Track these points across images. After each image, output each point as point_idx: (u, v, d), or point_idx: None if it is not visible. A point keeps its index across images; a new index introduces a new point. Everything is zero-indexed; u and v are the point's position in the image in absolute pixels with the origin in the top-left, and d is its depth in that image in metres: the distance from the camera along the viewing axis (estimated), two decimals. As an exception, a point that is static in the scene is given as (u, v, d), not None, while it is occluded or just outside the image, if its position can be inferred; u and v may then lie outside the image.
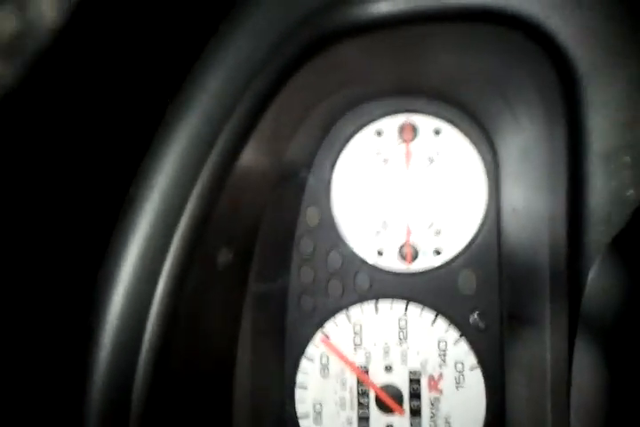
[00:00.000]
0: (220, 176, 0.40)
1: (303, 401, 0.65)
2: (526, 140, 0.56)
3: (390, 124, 0.67)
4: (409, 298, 0.66)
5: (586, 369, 0.47)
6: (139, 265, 0.39)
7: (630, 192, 0.46)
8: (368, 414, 0.65)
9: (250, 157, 0.44)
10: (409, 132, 0.67)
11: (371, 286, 0.66)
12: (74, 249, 0.42)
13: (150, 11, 0.44)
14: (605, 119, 0.48)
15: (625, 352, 0.47)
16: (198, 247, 0.40)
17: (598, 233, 0.46)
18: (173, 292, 0.39)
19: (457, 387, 0.64)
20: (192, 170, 0.40)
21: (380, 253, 0.66)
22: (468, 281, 0.66)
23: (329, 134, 0.67)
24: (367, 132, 0.67)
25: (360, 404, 0.65)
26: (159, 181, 0.40)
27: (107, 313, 0.39)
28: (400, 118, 0.67)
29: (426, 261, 0.66)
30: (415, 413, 0.65)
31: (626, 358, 0.47)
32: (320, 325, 0.66)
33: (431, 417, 0.64)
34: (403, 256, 0.66)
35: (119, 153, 0.42)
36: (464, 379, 0.64)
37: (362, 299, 0.66)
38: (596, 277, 0.46)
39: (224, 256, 0.47)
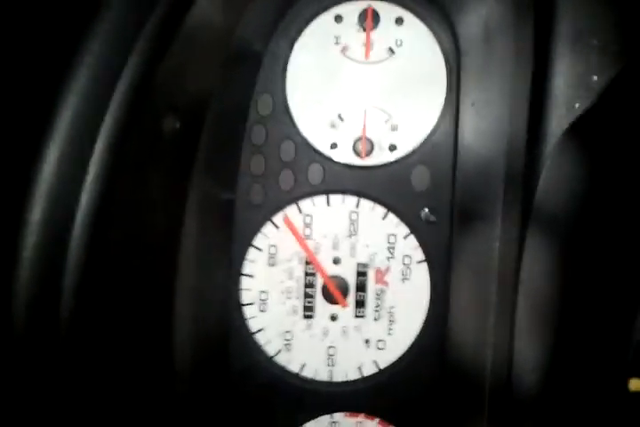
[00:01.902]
0: (167, 29, 0.37)
1: (249, 290, 0.65)
2: (490, 24, 0.54)
3: (351, 9, 0.64)
4: (361, 192, 0.65)
5: (537, 258, 0.48)
6: (77, 118, 0.36)
7: (596, 77, 0.44)
8: (314, 303, 0.65)
9: (200, 16, 0.40)
10: (370, 20, 0.64)
11: (323, 178, 0.65)
12: (9, 103, 0.38)
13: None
14: (575, 1, 0.46)
15: (577, 243, 0.47)
16: (141, 104, 0.37)
17: (560, 118, 0.45)
18: (114, 148, 0.37)
19: (403, 280, 0.65)
20: (138, 18, 0.36)
21: (334, 146, 0.65)
22: (421, 177, 0.65)
23: (286, 17, 0.63)
24: (326, 17, 0.64)
25: (306, 294, 0.65)
26: (101, 30, 0.36)
27: (41, 172, 0.36)
28: (361, 4, 0.64)
29: (380, 157, 0.65)
30: (360, 304, 0.65)
31: (578, 249, 0.47)
32: (270, 215, 0.65)
33: (375, 308, 0.65)
34: (357, 150, 0.65)
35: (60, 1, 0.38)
36: (410, 273, 0.65)
37: (314, 191, 0.64)
38: (554, 164, 0.45)
39: (170, 124, 0.44)
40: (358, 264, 0.65)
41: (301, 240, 0.65)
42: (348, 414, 0.67)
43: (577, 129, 0.44)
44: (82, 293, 0.38)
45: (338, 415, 0.67)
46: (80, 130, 0.36)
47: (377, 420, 0.67)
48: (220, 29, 0.49)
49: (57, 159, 0.36)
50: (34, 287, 0.37)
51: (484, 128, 0.58)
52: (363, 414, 0.67)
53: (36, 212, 0.36)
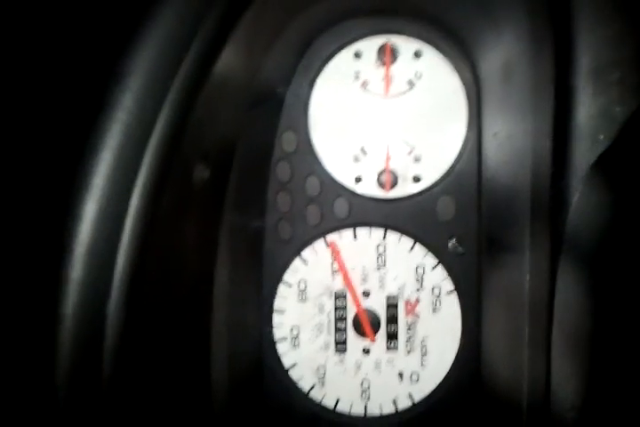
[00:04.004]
0: (195, 81, 0.38)
1: (281, 326, 0.65)
2: (510, 59, 0.54)
3: (369, 45, 0.65)
4: (388, 225, 0.65)
5: (570, 290, 0.47)
6: (111, 176, 0.37)
7: (618, 109, 0.45)
8: (345, 337, 0.65)
9: (225, 66, 0.41)
10: (389, 54, 0.65)
11: (349, 212, 0.65)
12: (45, 162, 0.40)
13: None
14: (594, 34, 0.46)
15: (610, 273, 0.47)
16: (173, 158, 0.38)
17: (585, 150, 0.45)
18: (148, 205, 0.37)
19: (433, 311, 0.65)
20: (167, 72, 0.37)
21: (358, 180, 0.65)
22: (446, 208, 0.65)
23: (306, 55, 0.64)
24: (345, 54, 0.65)
25: (337, 328, 0.65)
26: (132, 85, 0.37)
27: (79, 230, 0.37)
28: (379, 39, 0.65)
29: (405, 188, 0.65)
30: (392, 336, 0.65)
31: (611, 278, 0.47)
32: (298, 251, 0.65)
33: (407, 340, 0.65)
34: (381, 183, 0.65)
35: (90, 56, 0.39)
36: (440, 303, 0.65)
37: (340, 225, 0.65)
38: (582, 196, 0.45)
39: (200, 172, 0.45)
40: (388, 297, 0.65)
41: (342, 267, 0.65)
42: (384, 448, 0.66)
43: (604, 161, 0.44)
44: (123, 344, 0.39)
45: (374, 450, 0.66)
46: (114, 187, 0.37)
47: (414, 454, 0.66)
48: (245, 76, 0.50)
49: (93, 217, 0.37)
50: (76, 341, 0.38)
51: (508, 159, 0.58)
52: (399, 449, 0.66)
53: (76, 269, 0.36)
